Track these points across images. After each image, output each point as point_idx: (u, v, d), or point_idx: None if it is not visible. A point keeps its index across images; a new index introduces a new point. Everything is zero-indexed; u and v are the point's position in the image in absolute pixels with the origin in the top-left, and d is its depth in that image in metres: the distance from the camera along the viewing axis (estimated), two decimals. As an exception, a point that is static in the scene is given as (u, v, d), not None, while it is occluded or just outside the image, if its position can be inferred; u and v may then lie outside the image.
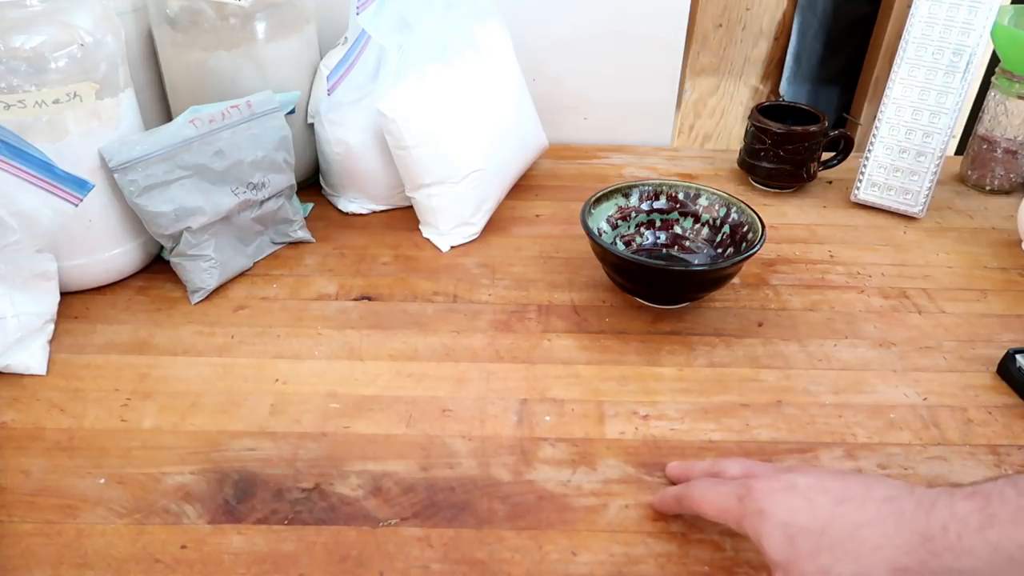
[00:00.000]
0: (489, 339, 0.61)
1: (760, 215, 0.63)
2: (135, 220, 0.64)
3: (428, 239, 0.74)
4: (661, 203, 0.69)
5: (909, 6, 0.75)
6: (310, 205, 0.79)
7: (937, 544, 0.31)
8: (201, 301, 0.65)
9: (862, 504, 0.34)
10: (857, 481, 0.37)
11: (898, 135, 0.77)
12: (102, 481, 0.48)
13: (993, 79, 0.82)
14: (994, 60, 0.84)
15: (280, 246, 0.73)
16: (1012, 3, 0.83)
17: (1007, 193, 0.85)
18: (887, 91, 0.77)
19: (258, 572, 0.43)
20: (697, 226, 0.69)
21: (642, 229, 0.69)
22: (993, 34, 0.73)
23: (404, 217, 0.77)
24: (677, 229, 0.69)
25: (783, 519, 0.35)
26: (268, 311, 0.64)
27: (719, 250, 0.67)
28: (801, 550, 0.34)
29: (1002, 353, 0.58)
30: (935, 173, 0.77)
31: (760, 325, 0.64)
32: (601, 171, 0.89)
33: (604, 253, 0.61)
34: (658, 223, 0.69)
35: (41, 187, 0.55)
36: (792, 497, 0.36)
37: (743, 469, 0.43)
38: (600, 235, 0.64)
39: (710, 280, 0.62)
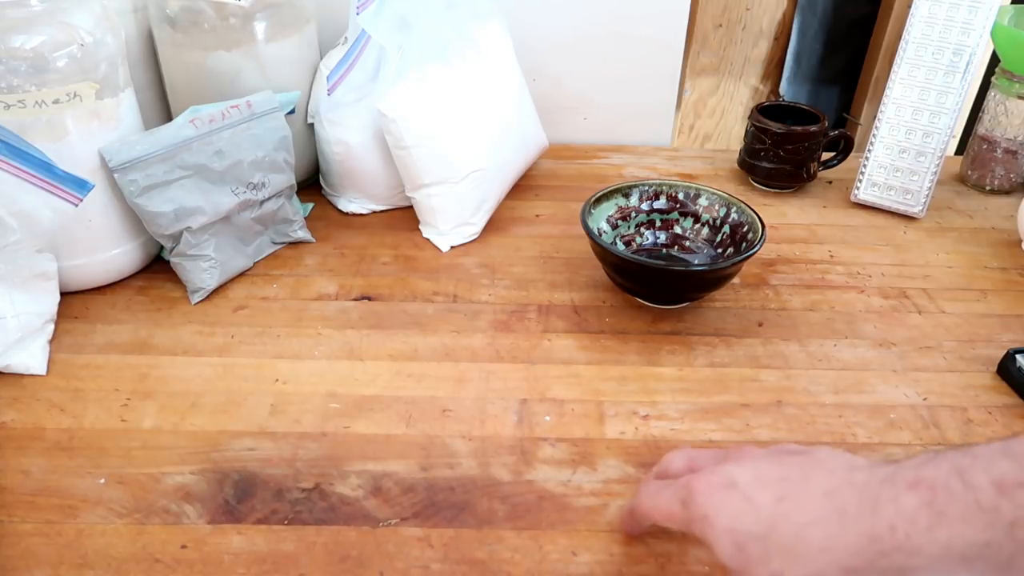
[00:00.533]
0: (489, 339, 0.61)
1: (760, 215, 0.63)
2: (135, 220, 0.64)
3: (428, 239, 0.74)
4: (661, 203, 0.69)
5: (909, 6, 0.75)
6: (310, 205, 0.79)
7: (885, 544, 0.30)
8: (201, 301, 0.65)
9: (802, 501, 0.34)
10: (795, 467, 0.36)
11: (898, 135, 0.77)
12: (102, 481, 0.48)
13: (993, 79, 0.82)
14: (994, 60, 0.84)
15: (280, 246, 0.73)
16: (1012, 3, 0.83)
17: (1007, 193, 0.85)
18: (887, 91, 0.77)
19: (258, 572, 0.43)
20: (697, 226, 0.69)
21: (642, 229, 0.69)
22: (993, 34, 0.73)
23: (404, 217, 0.77)
24: (677, 229, 0.69)
25: (728, 525, 0.35)
26: (268, 311, 0.64)
27: (719, 250, 0.67)
28: (751, 556, 0.34)
29: (1002, 353, 0.58)
30: (935, 173, 0.77)
31: (760, 325, 0.64)
32: (601, 171, 0.89)
33: (604, 253, 0.61)
34: (658, 223, 0.69)
35: (41, 187, 0.55)
36: (733, 498, 0.36)
37: (686, 461, 0.42)
38: (600, 235, 0.64)
39: (710, 280, 0.62)
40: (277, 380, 0.57)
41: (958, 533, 0.29)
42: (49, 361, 0.58)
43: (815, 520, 0.33)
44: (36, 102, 0.55)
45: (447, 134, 0.70)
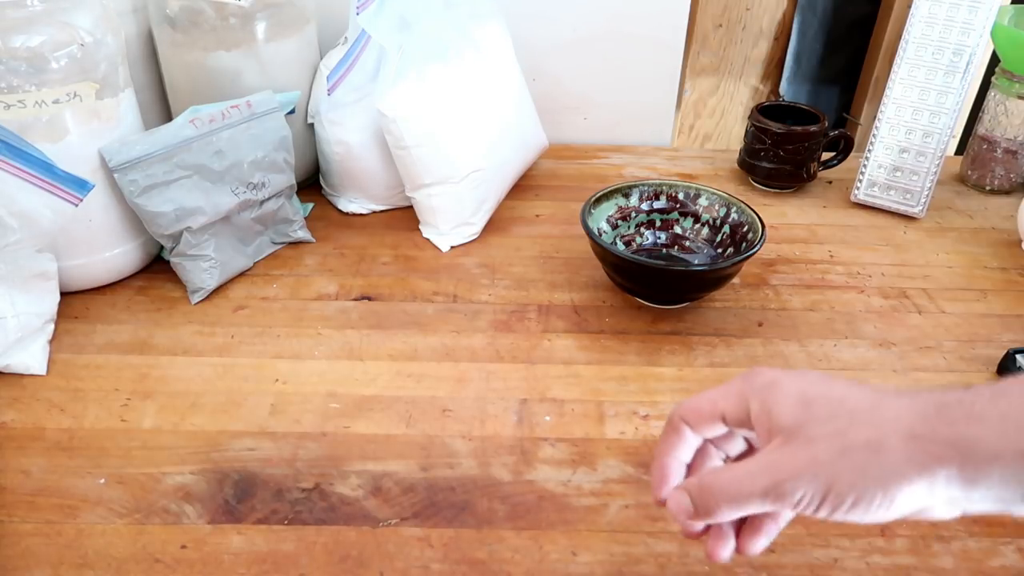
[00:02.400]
0: (489, 339, 0.61)
1: (760, 215, 0.63)
2: (135, 220, 0.64)
3: (428, 239, 0.74)
4: (661, 203, 0.69)
5: (909, 6, 0.75)
6: (310, 205, 0.79)
7: (952, 412, 0.31)
8: (201, 301, 0.65)
9: (880, 389, 0.33)
10: None
11: (898, 135, 0.77)
12: (102, 481, 0.48)
13: (993, 79, 0.82)
14: (994, 60, 0.84)
15: (280, 246, 0.73)
16: (1012, 3, 0.83)
17: (1007, 193, 0.85)
18: (887, 91, 0.77)
19: (258, 572, 0.43)
20: (697, 226, 0.69)
21: (642, 229, 0.69)
22: (993, 34, 0.73)
23: (404, 217, 0.77)
24: (677, 229, 0.69)
25: (799, 387, 0.33)
26: (268, 311, 0.64)
27: (719, 250, 0.67)
28: (816, 413, 0.32)
29: (1002, 353, 0.58)
30: (935, 173, 0.77)
31: (760, 325, 0.64)
32: (601, 171, 0.89)
33: (604, 253, 0.61)
34: (658, 223, 0.69)
35: (41, 187, 0.55)
36: (807, 374, 0.35)
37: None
38: (600, 235, 0.64)
39: (710, 280, 0.62)
40: (277, 380, 0.57)
41: (1016, 405, 0.30)
42: (49, 361, 0.58)
43: (891, 397, 0.32)
44: (36, 102, 0.55)
45: (447, 134, 0.70)
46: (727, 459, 0.38)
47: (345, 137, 0.74)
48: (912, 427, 0.31)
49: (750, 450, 0.38)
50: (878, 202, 0.80)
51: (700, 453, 0.38)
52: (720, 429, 0.36)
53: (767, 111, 0.83)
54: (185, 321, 0.63)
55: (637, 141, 0.97)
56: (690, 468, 0.38)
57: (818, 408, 0.32)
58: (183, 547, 0.44)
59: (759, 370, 0.35)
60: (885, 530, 0.46)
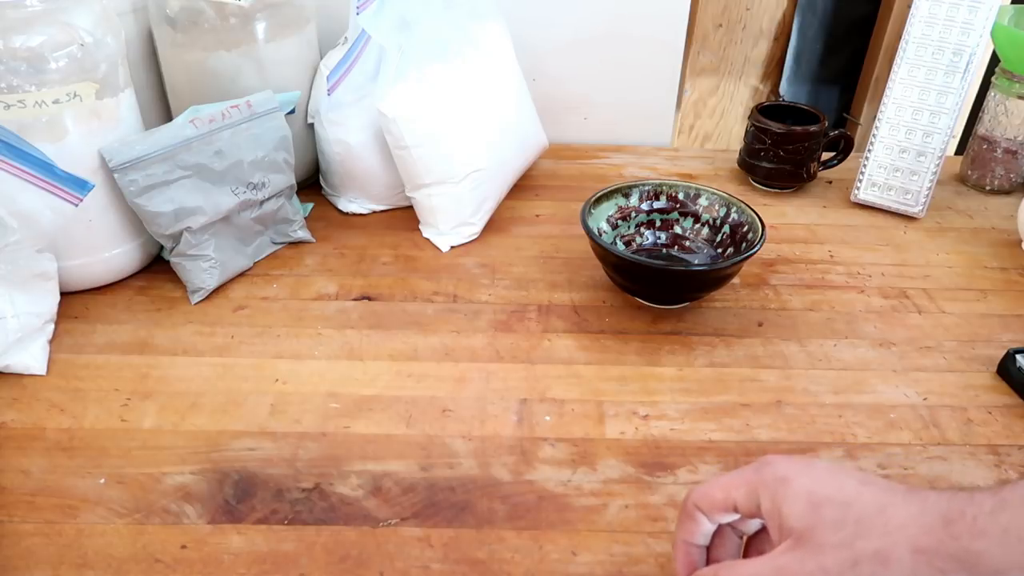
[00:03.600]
0: (489, 339, 0.61)
1: (760, 215, 0.63)
2: (135, 220, 0.64)
3: (428, 239, 0.74)
4: (661, 203, 0.69)
5: (909, 6, 0.75)
6: (310, 205, 0.79)
7: (956, 527, 0.31)
8: (201, 301, 0.65)
9: (887, 488, 0.34)
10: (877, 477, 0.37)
11: (898, 135, 0.77)
12: (102, 481, 0.48)
13: (993, 79, 0.82)
14: (994, 60, 0.84)
15: (280, 246, 0.73)
16: (1012, 3, 0.83)
17: (1007, 193, 0.85)
18: (887, 91, 0.77)
19: (258, 572, 0.43)
20: (697, 226, 0.69)
21: (642, 229, 0.69)
22: (993, 34, 0.73)
23: (404, 217, 0.77)
24: (677, 229, 0.69)
25: (808, 487, 0.34)
26: (268, 311, 0.64)
27: (719, 250, 0.67)
28: (825, 518, 0.33)
29: (1002, 353, 0.58)
30: (935, 173, 0.77)
31: (760, 325, 0.64)
32: (601, 171, 0.89)
33: (604, 253, 0.61)
34: (658, 223, 0.69)
35: (41, 187, 0.55)
36: (815, 469, 0.35)
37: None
38: (600, 235, 0.64)
39: (710, 280, 0.62)
40: (277, 380, 0.57)
41: (1017, 517, 0.30)
42: (49, 361, 0.58)
43: (897, 502, 0.33)
44: (36, 102, 0.55)
45: (447, 134, 0.70)
46: (743, 536, 0.40)
47: (345, 137, 0.74)
48: (918, 539, 0.31)
49: (765, 530, 0.39)
50: (878, 202, 0.80)
51: (717, 534, 0.39)
52: (733, 516, 0.38)
53: (767, 111, 0.83)
54: (185, 321, 0.63)
55: (637, 141, 0.97)
56: (709, 549, 0.39)
57: (827, 512, 0.33)
58: (183, 547, 0.44)
59: (771, 460, 0.36)
60: None
